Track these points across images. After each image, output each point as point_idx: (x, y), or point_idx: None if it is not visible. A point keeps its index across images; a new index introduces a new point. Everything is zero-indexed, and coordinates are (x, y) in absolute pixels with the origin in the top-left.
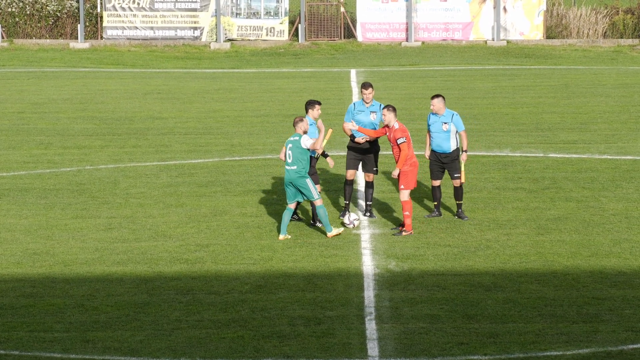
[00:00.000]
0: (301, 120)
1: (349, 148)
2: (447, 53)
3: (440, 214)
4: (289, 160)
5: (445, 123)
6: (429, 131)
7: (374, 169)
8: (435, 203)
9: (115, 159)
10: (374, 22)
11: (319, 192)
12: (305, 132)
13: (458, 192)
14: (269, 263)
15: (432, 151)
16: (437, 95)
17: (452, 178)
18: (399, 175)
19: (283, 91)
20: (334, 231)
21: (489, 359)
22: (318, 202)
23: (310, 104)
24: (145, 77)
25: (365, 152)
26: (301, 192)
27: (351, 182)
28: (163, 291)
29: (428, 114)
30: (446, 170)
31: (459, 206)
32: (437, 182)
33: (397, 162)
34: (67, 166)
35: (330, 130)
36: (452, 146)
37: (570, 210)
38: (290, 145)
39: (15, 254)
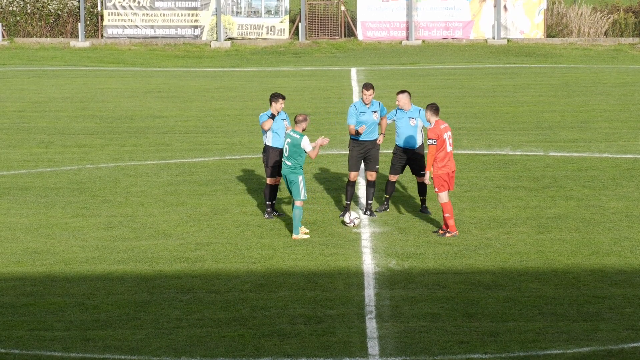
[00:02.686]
0: (305, 119)
1: (351, 148)
2: (447, 52)
3: (388, 207)
4: (286, 155)
5: (412, 118)
6: (385, 118)
7: (376, 166)
8: (387, 196)
9: (115, 158)
10: (375, 21)
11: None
12: (303, 130)
13: (422, 188)
14: (269, 262)
15: (398, 147)
16: (402, 91)
17: (418, 175)
18: (431, 179)
19: (283, 90)
20: (300, 235)
21: (490, 357)
22: (299, 203)
23: (274, 97)
24: (145, 76)
25: (367, 151)
26: (289, 187)
27: (353, 184)
28: (163, 290)
29: (393, 110)
30: (408, 167)
31: (423, 202)
32: (394, 178)
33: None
34: (67, 165)
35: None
36: (419, 142)
37: (571, 208)
38: (288, 140)
39: (16, 252)
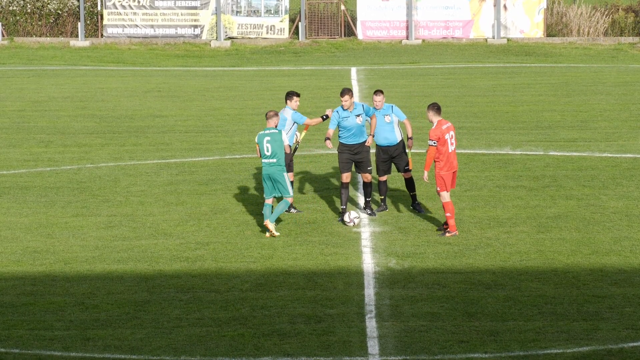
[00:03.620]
0: (276, 114)
1: (340, 152)
2: (447, 51)
3: (386, 208)
4: (268, 153)
5: (386, 115)
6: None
7: (368, 168)
8: (382, 197)
9: (115, 157)
10: (375, 20)
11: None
12: (276, 126)
13: (410, 184)
14: (269, 261)
15: (379, 147)
16: (379, 91)
17: (403, 171)
18: (433, 179)
19: (283, 89)
20: (272, 225)
21: (490, 357)
22: (289, 200)
23: (288, 95)
24: (145, 75)
25: (356, 154)
26: (275, 187)
27: (347, 185)
28: (163, 289)
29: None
30: (393, 165)
31: (413, 198)
32: (384, 178)
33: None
34: (67, 164)
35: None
36: (398, 137)
37: (571, 208)
38: (268, 138)
39: (16, 252)
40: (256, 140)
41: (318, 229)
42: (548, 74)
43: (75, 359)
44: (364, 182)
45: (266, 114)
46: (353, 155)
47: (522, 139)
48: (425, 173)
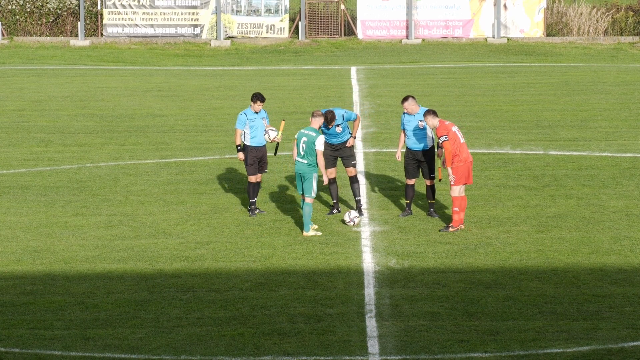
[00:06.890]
0: (320, 115)
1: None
2: (447, 50)
3: (411, 212)
4: (302, 153)
5: (421, 121)
6: (403, 131)
7: (352, 162)
8: (407, 201)
9: (115, 157)
10: (375, 20)
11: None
12: (319, 127)
13: (432, 191)
14: (269, 260)
15: (409, 149)
16: (405, 98)
17: (427, 177)
18: (452, 171)
19: (283, 89)
20: (310, 232)
21: (490, 356)
22: (309, 200)
23: (252, 98)
24: (145, 75)
25: (337, 150)
26: (303, 184)
27: (333, 180)
28: (163, 289)
29: (402, 114)
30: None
31: (431, 205)
32: (411, 181)
33: (446, 163)
34: (67, 164)
35: (282, 122)
36: (429, 144)
37: (571, 207)
38: (305, 139)
39: (16, 251)
40: (295, 136)
41: (318, 229)
42: (548, 73)
43: (75, 358)
44: (349, 178)
45: (312, 113)
46: (335, 152)
47: (522, 139)
48: (449, 169)
